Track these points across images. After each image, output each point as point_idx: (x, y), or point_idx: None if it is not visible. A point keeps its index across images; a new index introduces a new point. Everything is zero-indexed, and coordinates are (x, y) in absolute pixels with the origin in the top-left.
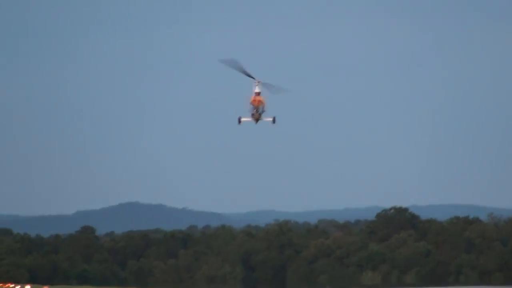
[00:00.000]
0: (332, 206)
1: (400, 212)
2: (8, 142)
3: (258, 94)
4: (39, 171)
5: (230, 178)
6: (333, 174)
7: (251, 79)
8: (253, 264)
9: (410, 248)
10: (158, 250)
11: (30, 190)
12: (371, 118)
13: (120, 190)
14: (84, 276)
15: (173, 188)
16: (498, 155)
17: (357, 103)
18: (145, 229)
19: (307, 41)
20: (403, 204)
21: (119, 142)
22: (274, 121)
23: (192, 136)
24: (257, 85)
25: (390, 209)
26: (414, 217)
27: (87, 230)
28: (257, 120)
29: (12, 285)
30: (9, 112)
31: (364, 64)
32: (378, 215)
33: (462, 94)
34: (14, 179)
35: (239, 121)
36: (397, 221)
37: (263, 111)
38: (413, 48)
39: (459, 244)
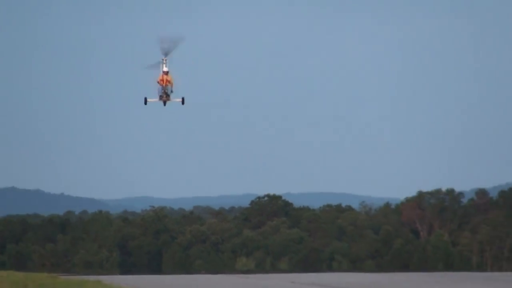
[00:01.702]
0: (207, 193)
1: (274, 199)
2: None
3: (166, 73)
4: None
5: (107, 164)
6: (208, 161)
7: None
8: (129, 249)
9: (283, 235)
10: (36, 235)
11: None
12: (256, 108)
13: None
14: None
15: (50, 173)
16: (370, 145)
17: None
18: (23, 213)
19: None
20: (277, 192)
21: None
22: (183, 102)
23: (72, 121)
24: (164, 63)
25: (264, 196)
26: (287, 205)
27: None
28: (165, 102)
29: None
30: None
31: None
32: (252, 202)
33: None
34: None
35: (145, 102)
36: (271, 208)
37: (171, 92)
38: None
39: (331, 231)
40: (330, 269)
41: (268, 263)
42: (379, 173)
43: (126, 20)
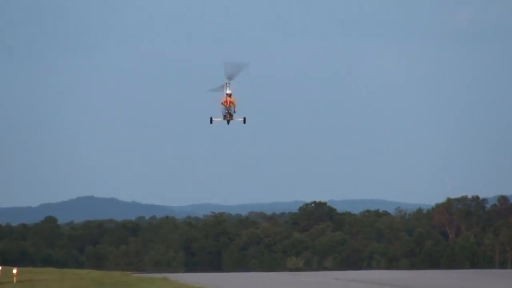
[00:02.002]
0: (261, 200)
1: (319, 206)
2: None
3: (229, 95)
4: (4, 169)
5: (173, 174)
6: (261, 171)
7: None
8: (193, 250)
9: (328, 237)
10: (111, 238)
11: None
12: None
13: (77, 185)
14: (48, 260)
15: (123, 183)
16: (404, 154)
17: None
18: (100, 219)
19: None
20: (322, 199)
21: (69, 140)
22: (244, 121)
23: (138, 135)
24: (228, 87)
25: (311, 203)
26: (331, 210)
27: (50, 220)
28: (228, 121)
29: None
30: None
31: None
32: (301, 208)
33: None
34: None
35: (211, 121)
36: (317, 213)
37: (234, 112)
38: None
39: (370, 234)
40: (369, 267)
41: (315, 262)
42: (413, 181)
43: (192, 48)
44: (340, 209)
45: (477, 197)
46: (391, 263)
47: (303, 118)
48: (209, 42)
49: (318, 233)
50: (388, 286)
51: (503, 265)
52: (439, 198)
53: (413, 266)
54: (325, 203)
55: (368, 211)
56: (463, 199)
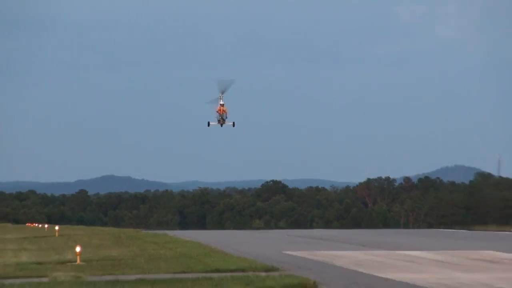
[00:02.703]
0: (234, 178)
1: (276, 183)
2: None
3: (222, 105)
4: (51, 150)
5: (172, 159)
6: (236, 157)
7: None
8: (185, 214)
9: (282, 205)
10: (127, 205)
11: (45, 160)
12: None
13: (102, 166)
14: (81, 220)
15: (136, 165)
16: (338, 144)
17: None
18: (118, 191)
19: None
20: (277, 178)
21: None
22: (233, 125)
23: (149, 130)
24: (221, 99)
25: (270, 181)
26: (284, 186)
27: (83, 192)
28: (221, 124)
29: (37, 225)
30: None
31: None
32: (262, 185)
33: None
34: (34, 152)
35: (208, 124)
36: (274, 188)
37: (226, 118)
38: None
39: (312, 203)
40: (311, 227)
41: (272, 223)
42: (343, 164)
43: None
44: (290, 185)
45: (389, 177)
46: (327, 224)
47: (271, 119)
48: (203, 67)
49: (275, 202)
50: (325, 240)
51: (406, 225)
52: (361, 178)
53: (342, 227)
54: (280, 181)
55: (311, 187)
56: (379, 178)
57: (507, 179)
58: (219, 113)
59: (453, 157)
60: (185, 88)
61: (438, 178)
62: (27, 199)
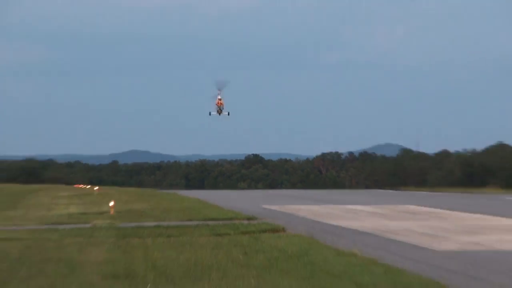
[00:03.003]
0: (225, 152)
1: (255, 156)
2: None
3: (220, 99)
4: (86, 125)
5: (181, 136)
6: (227, 136)
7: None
8: (189, 178)
9: (260, 173)
10: (146, 172)
11: (87, 137)
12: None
13: (127, 142)
14: (114, 183)
15: (153, 140)
16: (300, 124)
17: None
18: (141, 162)
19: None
20: (256, 152)
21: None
22: (228, 114)
23: (161, 111)
24: (219, 94)
25: (251, 154)
26: (262, 158)
27: (115, 162)
28: (220, 113)
29: (82, 186)
30: None
31: None
32: (245, 157)
33: None
34: (72, 127)
35: (210, 114)
36: (254, 160)
37: (223, 108)
38: None
39: (282, 171)
40: (281, 188)
41: (253, 185)
42: (304, 141)
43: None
44: (266, 158)
45: (337, 152)
46: (293, 186)
47: (254, 109)
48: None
49: (254, 170)
50: (291, 197)
51: (350, 187)
52: (318, 152)
53: (304, 188)
54: (258, 155)
55: (281, 159)
56: (330, 153)
57: (423, 153)
58: (218, 105)
59: (384, 137)
60: (190, 87)
61: (373, 152)
62: (74, 167)
